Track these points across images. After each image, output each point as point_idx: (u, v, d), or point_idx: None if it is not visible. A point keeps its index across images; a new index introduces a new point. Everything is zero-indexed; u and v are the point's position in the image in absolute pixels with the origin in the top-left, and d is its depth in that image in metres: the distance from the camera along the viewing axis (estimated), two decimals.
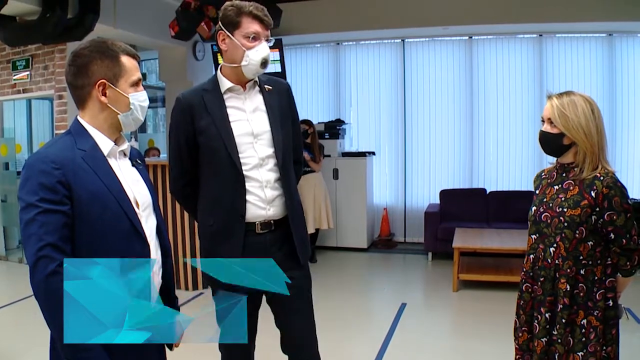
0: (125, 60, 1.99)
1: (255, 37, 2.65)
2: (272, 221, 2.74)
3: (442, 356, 4.73)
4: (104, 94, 1.96)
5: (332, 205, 8.29)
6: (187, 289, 6.42)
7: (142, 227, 2.01)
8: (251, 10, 2.62)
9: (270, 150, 2.74)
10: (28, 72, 7.56)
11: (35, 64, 7.49)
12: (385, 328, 5.28)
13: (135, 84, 2.02)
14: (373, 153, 9.07)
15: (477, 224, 7.92)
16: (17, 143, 8.63)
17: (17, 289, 6.43)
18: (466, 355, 4.69)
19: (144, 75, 10.88)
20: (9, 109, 8.97)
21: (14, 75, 7.71)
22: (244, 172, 2.68)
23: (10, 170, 8.38)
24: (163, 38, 7.83)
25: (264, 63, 2.66)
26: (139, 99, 2.02)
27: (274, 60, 8.24)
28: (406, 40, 9.04)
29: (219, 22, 2.70)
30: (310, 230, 7.85)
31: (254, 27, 2.63)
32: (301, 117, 8.33)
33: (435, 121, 9.04)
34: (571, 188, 2.58)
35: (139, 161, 2.19)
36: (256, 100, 2.79)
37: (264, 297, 2.87)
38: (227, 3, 2.69)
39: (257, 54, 2.64)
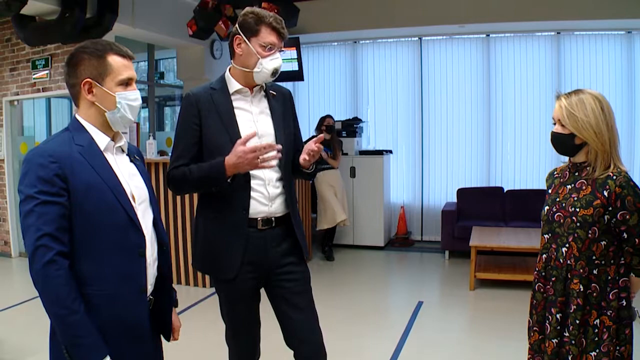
0: (113, 59, 2.03)
1: (271, 48, 2.73)
2: (273, 218, 2.83)
3: (458, 355, 4.72)
4: (90, 92, 2.02)
5: (349, 204, 8.31)
6: (204, 286, 6.47)
7: (138, 218, 2.06)
8: (271, 22, 2.70)
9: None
10: (47, 71, 7.64)
11: (54, 63, 7.58)
12: (402, 326, 5.28)
13: (125, 84, 2.05)
14: (390, 151, 9.06)
15: (494, 222, 7.89)
16: (37, 141, 8.73)
17: None
18: (482, 354, 4.68)
19: (161, 73, 10.95)
20: (29, 108, 9.09)
21: (34, 75, 7.80)
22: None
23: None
24: (181, 37, 7.89)
25: (275, 72, 2.76)
26: (128, 97, 2.06)
27: (292, 59, 8.26)
28: (423, 38, 9.03)
29: (237, 26, 2.77)
30: (329, 224, 7.87)
31: (271, 38, 2.72)
32: (318, 115, 8.40)
33: (452, 120, 9.02)
34: (584, 187, 2.57)
35: (137, 157, 2.24)
36: (262, 104, 2.89)
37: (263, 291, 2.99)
38: (248, 9, 2.76)
39: (270, 64, 2.73)
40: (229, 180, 2.66)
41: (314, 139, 2.81)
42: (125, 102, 2.04)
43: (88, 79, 2.01)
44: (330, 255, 8.05)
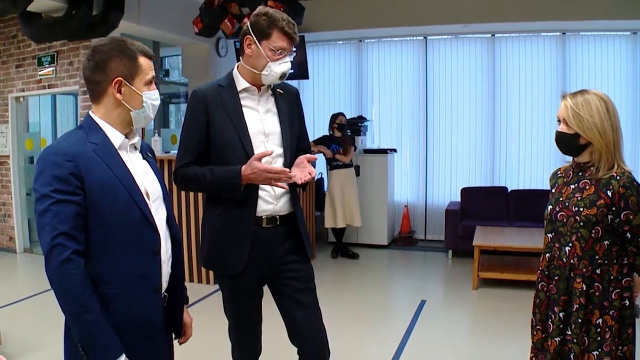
0: (142, 60, 2.05)
1: (281, 52, 2.73)
2: (277, 216, 2.85)
3: (461, 354, 4.73)
4: (119, 91, 2.02)
5: None
6: (208, 282, 6.48)
7: (152, 216, 2.07)
8: (283, 27, 2.69)
9: (279, 150, 2.85)
10: (53, 68, 7.67)
11: (60, 60, 7.60)
12: (405, 325, 5.29)
13: (149, 83, 2.08)
14: (394, 150, 9.06)
15: (497, 222, 7.89)
16: (42, 137, 8.76)
17: (42, 281, 6.50)
18: (485, 354, 4.68)
19: (166, 71, 10.97)
20: (35, 104, 9.12)
21: (40, 71, 7.84)
22: None
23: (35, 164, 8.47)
24: (186, 35, 7.90)
25: (283, 76, 2.78)
26: (152, 97, 2.09)
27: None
28: (428, 37, 9.02)
29: (248, 26, 2.75)
30: (340, 224, 7.89)
31: (282, 42, 2.72)
32: (323, 113, 8.39)
33: (456, 119, 9.01)
34: (587, 187, 2.57)
35: (149, 154, 2.25)
36: (269, 102, 2.90)
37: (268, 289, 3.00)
38: (261, 10, 2.75)
39: (279, 68, 2.74)
40: (241, 189, 2.71)
41: (308, 155, 2.81)
42: (150, 102, 2.08)
43: (120, 78, 2.01)
44: (335, 254, 8.09)
